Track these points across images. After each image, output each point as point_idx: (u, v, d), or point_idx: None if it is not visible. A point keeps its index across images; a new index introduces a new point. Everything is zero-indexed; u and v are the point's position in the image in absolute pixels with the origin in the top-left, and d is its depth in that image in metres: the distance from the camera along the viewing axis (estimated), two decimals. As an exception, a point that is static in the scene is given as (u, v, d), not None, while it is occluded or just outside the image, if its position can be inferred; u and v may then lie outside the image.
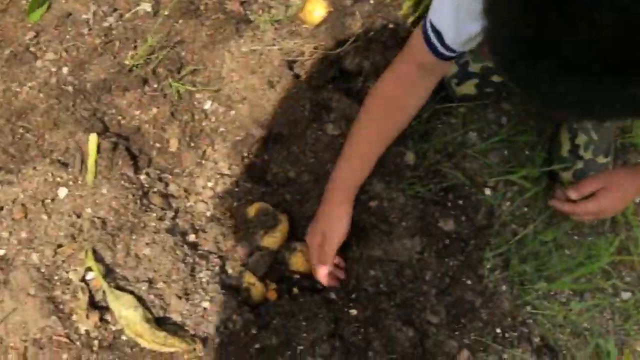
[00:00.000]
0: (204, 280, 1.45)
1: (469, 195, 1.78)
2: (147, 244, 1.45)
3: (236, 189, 1.69)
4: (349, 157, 1.44)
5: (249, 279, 1.54)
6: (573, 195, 1.53)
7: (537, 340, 1.61)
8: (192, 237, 1.56)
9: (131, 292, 1.37)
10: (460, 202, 1.77)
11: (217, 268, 1.50)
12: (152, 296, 1.38)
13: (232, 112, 1.77)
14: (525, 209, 1.81)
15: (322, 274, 1.49)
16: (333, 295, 1.52)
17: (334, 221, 1.50)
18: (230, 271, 1.54)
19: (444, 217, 1.68)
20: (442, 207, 1.73)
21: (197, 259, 1.50)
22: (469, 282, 1.64)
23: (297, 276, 1.61)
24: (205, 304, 1.41)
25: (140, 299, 1.36)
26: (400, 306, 1.50)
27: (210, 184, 1.69)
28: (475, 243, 1.70)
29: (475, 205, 1.76)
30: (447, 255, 1.64)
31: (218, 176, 1.71)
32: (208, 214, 1.64)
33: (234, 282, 1.52)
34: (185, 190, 1.67)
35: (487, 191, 1.81)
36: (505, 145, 1.90)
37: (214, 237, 1.58)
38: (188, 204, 1.65)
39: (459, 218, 1.72)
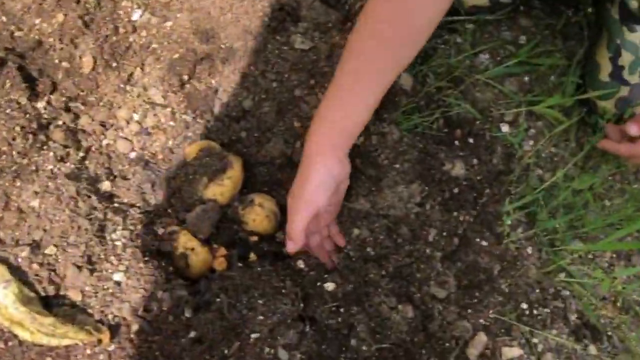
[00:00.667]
0: (118, 243, 1.02)
1: (481, 131, 1.36)
2: (36, 193, 1.01)
3: (171, 124, 1.25)
4: (342, 89, 1.08)
5: (187, 242, 1.10)
6: (634, 130, 1.11)
7: (574, 317, 1.21)
8: (106, 185, 1.12)
9: (4, 261, 0.93)
10: (471, 140, 1.34)
11: (138, 227, 1.06)
12: (36, 266, 0.95)
13: (169, 24, 1.32)
14: (554, 149, 1.39)
15: (289, 248, 1.08)
16: (302, 264, 1.09)
17: (311, 182, 1.06)
18: (159, 231, 1.10)
19: (450, 159, 1.26)
20: (448, 146, 1.31)
21: (109, 215, 1.06)
22: (484, 243, 1.23)
23: (255, 238, 1.18)
24: (118, 277, 0.98)
25: (18, 270, 0.92)
26: (395, 277, 1.08)
27: (136, 117, 1.24)
28: (490, 193, 1.28)
29: (490, 145, 1.34)
30: (456, 208, 1.21)
31: (147, 106, 1.26)
32: (132, 155, 1.20)
33: (165, 246, 1.09)
34: (102, 125, 1.23)
35: (504, 127, 1.39)
36: (525, 69, 1.48)
37: (138, 185, 1.14)
38: (105, 142, 1.21)
39: (469, 160, 1.30)
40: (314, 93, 1.25)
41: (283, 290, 1.08)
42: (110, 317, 0.98)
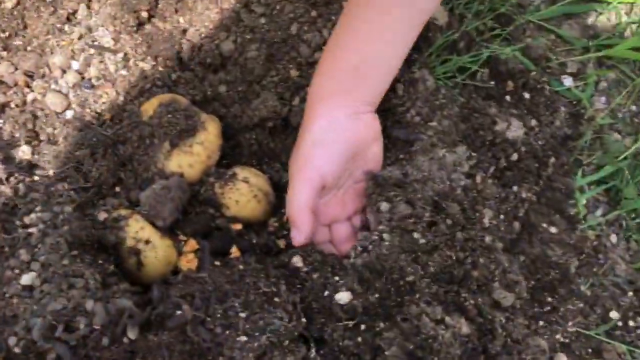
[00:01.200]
0: (32, 231, 0.68)
1: (537, 85, 1.02)
2: None
3: (123, 73, 0.91)
4: (358, 18, 0.79)
5: (139, 231, 0.77)
6: None
7: (682, 331, 0.86)
8: (23, 152, 0.77)
9: None
10: (526, 95, 1.00)
11: (67, 209, 0.72)
12: None
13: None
14: (634, 107, 1.04)
15: (295, 239, 0.80)
16: (299, 263, 0.75)
17: (308, 138, 0.78)
18: (100, 215, 0.76)
19: (503, 117, 0.91)
20: (498, 102, 0.97)
21: (22, 190, 0.71)
22: (552, 229, 0.90)
23: (238, 227, 0.83)
24: (28, 279, 0.64)
25: None
26: (439, 277, 0.73)
27: (76, 65, 0.91)
28: (557, 163, 0.94)
29: (551, 102, 1.02)
30: (513, 181, 0.87)
31: (92, 52, 0.93)
32: (67, 114, 0.86)
33: (107, 236, 0.75)
34: (28, 75, 0.88)
35: (567, 80, 1.06)
36: (587, 8, 1.13)
37: (70, 152, 0.79)
38: (30, 97, 0.86)
39: (526, 121, 0.95)
40: (316, 29, 0.92)
41: (276, 298, 0.74)
42: (12, 340, 0.63)
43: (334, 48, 0.82)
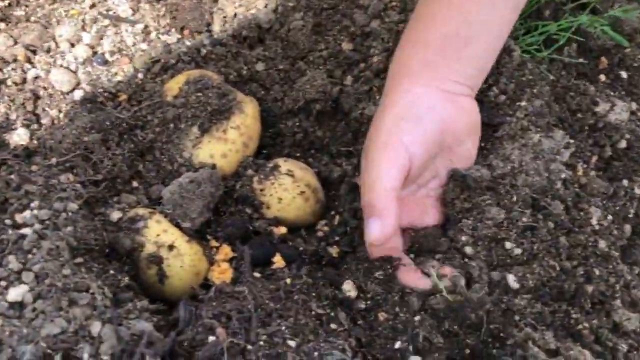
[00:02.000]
0: (26, 232, 0.52)
1: (635, 64, 0.84)
2: None
3: (144, 47, 0.76)
4: None
5: (161, 234, 0.61)
6: None
7: None
8: (19, 138, 0.63)
9: None
10: (623, 74, 0.83)
11: (72, 206, 0.57)
12: None
13: None
14: None
15: (374, 233, 0.62)
16: (352, 292, 0.59)
17: (391, 113, 0.64)
18: (112, 215, 0.61)
19: (604, 99, 0.74)
20: (592, 81, 0.80)
21: (15, 182, 0.56)
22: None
23: (282, 230, 0.68)
24: (17, 294, 0.48)
25: None
26: (544, 294, 0.56)
27: (87, 38, 0.75)
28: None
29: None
30: (623, 173, 0.70)
31: (106, 23, 0.77)
32: (76, 95, 0.71)
33: (121, 241, 0.59)
34: (30, 49, 0.74)
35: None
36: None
37: (78, 137, 0.64)
38: (31, 74, 0.72)
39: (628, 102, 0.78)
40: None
41: (333, 325, 0.58)
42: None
43: (424, 14, 0.67)
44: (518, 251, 0.62)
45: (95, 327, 0.51)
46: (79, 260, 0.56)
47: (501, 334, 0.56)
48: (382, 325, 0.58)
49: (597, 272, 0.61)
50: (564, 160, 0.69)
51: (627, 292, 0.62)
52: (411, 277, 0.60)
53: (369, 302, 0.62)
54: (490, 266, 0.62)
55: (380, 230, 0.60)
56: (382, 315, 0.59)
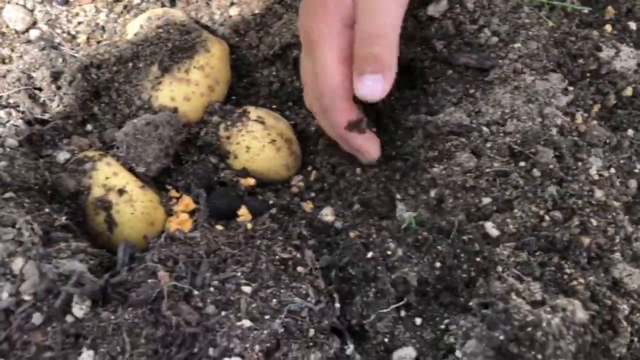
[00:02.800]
0: None
1: None
2: None
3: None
4: None
5: (111, 178, 0.55)
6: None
7: None
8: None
9: None
10: (632, 24, 0.77)
11: (10, 141, 0.51)
12: None
13: None
14: None
15: (335, 127, 0.60)
16: (330, 216, 0.54)
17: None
18: (59, 156, 0.56)
19: (609, 43, 0.68)
20: (597, 28, 0.74)
21: None
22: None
23: (251, 182, 0.62)
24: None
25: None
26: (526, 241, 0.50)
27: None
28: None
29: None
30: (628, 123, 0.64)
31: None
32: (32, 35, 0.67)
33: (65, 183, 0.54)
34: None
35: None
36: None
37: (23, 72, 0.59)
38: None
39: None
40: None
41: (299, 268, 0.52)
42: None
43: None
44: (487, 200, 0.56)
45: (17, 264, 0.46)
46: (9, 195, 0.51)
47: (481, 285, 0.50)
48: (354, 241, 0.53)
49: (594, 222, 0.55)
50: (561, 106, 0.63)
51: (629, 245, 0.55)
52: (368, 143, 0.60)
53: (345, 223, 0.59)
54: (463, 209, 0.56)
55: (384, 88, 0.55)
56: (354, 234, 0.55)
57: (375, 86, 0.54)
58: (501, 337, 0.45)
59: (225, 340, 0.47)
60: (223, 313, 0.48)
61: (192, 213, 0.64)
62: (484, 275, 0.51)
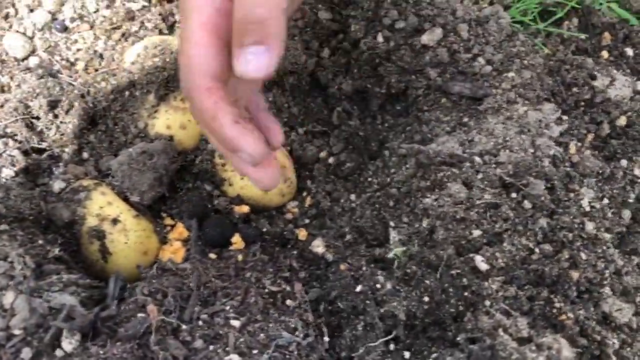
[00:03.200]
0: None
1: None
2: None
3: (105, 14, 0.72)
4: None
5: (105, 207, 0.57)
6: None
7: None
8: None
9: None
10: (629, 51, 0.78)
11: (7, 172, 0.53)
12: None
13: None
14: None
15: (198, 114, 0.43)
16: (320, 248, 0.54)
17: None
18: (54, 185, 0.57)
19: (604, 71, 0.69)
20: (593, 57, 0.74)
21: None
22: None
23: (245, 210, 0.64)
24: None
25: None
26: (515, 275, 0.50)
27: (49, 4, 0.72)
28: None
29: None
30: (621, 153, 0.64)
31: (69, -11, 0.74)
32: (31, 62, 0.68)
33: (59, 212, 0.55)
34: None
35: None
36: None
37: (21, 101, 0.61)
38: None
39: (632, 81, 0.72)
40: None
41: (289, 301, 0.53)
42: None
43: None
44: (477, 232, 0.56)
45: (8, 298, 0.47)
46: (3, 227, 0.52)
47: (469, 319, 0.50)
48: (344, 274, 0.54)
49: (583, 256, 0.55)
50: (554, 136, 0.63)
51: (619, 279, 0.56)
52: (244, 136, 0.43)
53: (336, 255, 0.60)
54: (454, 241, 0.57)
55: (270, 63, 0.41)
56: (344, 266, 0.56)
57: (258, 60, 0.41)
58: (484, 378, 0.45)
59: (212, 375, 0.47)
60: (211, 347, 0.49)
61: (186, 241, 0.64)
62: (472, 309, 0.52)
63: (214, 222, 0.65)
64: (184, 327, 0.49)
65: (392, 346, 0.53)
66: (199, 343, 0.49)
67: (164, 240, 0.64)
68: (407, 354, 0.52)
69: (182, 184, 0.67)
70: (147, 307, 0.49)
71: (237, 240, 0.64)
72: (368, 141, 0.72)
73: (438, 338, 0.52)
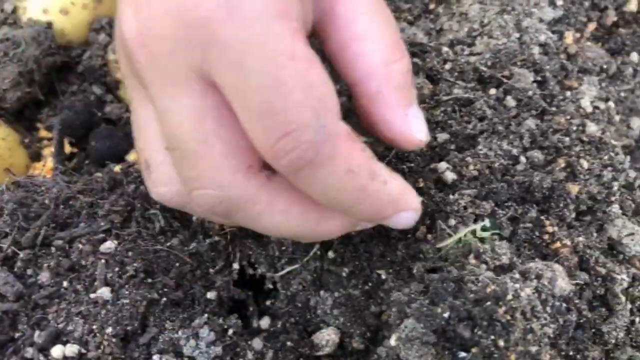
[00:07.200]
0: None
1: None
2: None
3: None
4: None
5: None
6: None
7: None
8: None
9: None
10: None
11: None
12: None
13: None
14: None
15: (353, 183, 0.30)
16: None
17: None
18: None
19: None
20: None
21: None
22: None
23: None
24: None
25: None
26: (518, 195, 0.37)
27: None
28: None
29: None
30: (630, 45, 0.50)
31: None
32: None
33: None
34: None
35: None
36: None
37: None
38: None
39: None
40: None
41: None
42: None
43: None
44: (443, 136, 0.43)
45: None
46: None
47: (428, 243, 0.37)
48: None
49: (585, 164, 0.42)
50: (546, 19, 0.50)
51: (630, 194, 0.43)
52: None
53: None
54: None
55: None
56: None
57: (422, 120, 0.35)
58: (445, 315, 0.32)
59: (63, 319, 0.34)
60: (64, 283, 0.35)
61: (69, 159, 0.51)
62: (433, 231, 0.39)
63: (103, 134, 0.51)
64: (21, 255, 0.35)
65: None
66: (45, 276, 0.35)
67: (36, 157, 0.50)
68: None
69: (65, 87, 0.53)
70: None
71: (134, 156, 0.51)
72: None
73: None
